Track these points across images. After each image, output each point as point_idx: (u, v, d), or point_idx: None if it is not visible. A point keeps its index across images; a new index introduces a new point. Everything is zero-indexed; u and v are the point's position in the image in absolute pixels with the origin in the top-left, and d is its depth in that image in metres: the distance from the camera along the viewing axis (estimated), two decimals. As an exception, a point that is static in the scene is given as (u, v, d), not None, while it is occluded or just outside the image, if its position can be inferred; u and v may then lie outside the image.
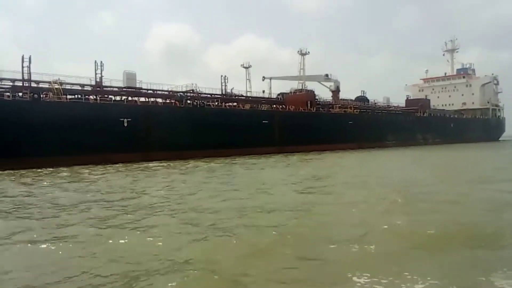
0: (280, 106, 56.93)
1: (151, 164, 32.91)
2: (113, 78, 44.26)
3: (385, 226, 9.81)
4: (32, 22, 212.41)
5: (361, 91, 79.68)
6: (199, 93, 49.77)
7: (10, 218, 12.08)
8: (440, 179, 20.06)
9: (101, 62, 43.38)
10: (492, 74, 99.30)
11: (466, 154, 47.85)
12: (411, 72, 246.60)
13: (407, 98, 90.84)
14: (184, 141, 40.45)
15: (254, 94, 62.03)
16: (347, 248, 8.04)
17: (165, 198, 15.22)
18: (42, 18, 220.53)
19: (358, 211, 11.79)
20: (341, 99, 69.81)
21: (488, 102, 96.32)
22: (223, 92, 54.54)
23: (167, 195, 16.11)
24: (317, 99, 62.50)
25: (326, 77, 71.76)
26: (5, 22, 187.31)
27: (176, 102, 44.53)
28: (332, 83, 72.23)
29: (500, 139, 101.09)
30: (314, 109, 58.44)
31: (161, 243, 8.77)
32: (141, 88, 45.91)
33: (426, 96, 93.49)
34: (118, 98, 43.35)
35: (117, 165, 32.20)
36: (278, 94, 63.86)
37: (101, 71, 42.95)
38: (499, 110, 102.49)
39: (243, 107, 52.53)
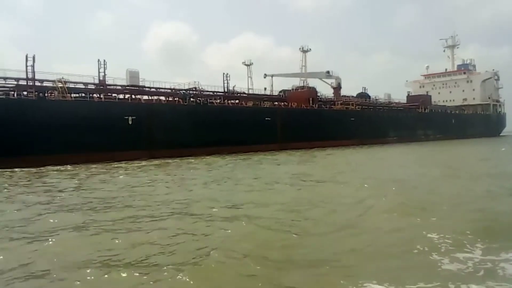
0: (282, 103, 57.13)
1: (181, 161, 33.97)
2: (113, 77, 44.52)
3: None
4: (29, 22, 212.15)
5: (362, 87, 79.89)
6: (202, 91, 49.97)
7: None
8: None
9: (104, 60, 43.57)
10: (493, 69, 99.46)
11: (474, 150, 47.75)
12: (411, 69, 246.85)
13: (408, 94, 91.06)
14: (187, 138, 40.70)
15: (256, 92, 62.30)
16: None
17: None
18: (40, 18, 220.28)
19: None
20: (342, 96, 69.99)
21: (489, 98, 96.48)
22: (225, 90, 54.73)
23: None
24: (318, 96, 62.69)
25: (328, 74, 71.87)
26: (2, 22, 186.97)
27: (180, 100, 44.74)
28: (333, 80, 72.33)
29: (501, 134, 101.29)
30: (316, 106, 58.63)
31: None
32: (144, 86, 46.11)
33: (427, 92, 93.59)
34: (121, 96, 43.60)
35: (140, 163, 32.83)
36: (280, 91, 64.04)
37: (105, 69, 43.21)
38: (499, 105, 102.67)
39: (246, 104, 52.69)
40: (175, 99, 45.67)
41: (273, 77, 72.46)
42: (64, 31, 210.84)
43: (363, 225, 10.14)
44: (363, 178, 18.94)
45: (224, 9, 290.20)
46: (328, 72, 72.02)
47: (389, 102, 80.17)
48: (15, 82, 37.59)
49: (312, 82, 70.65)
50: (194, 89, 49.28)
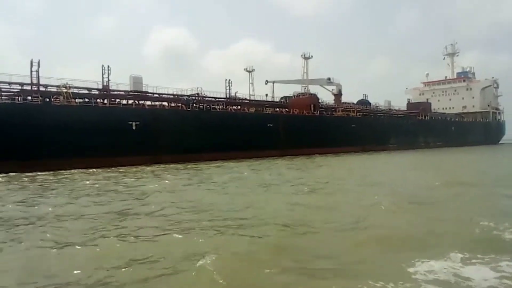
0: (284, 110, 57.41)
1: (195, 166, 34.64)
2: (116, 82, 44.76)
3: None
4: (30, 24, 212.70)
5: (363, 94, 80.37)
6: (204, 97, 50.23)
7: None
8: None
9: (108, 66, 43.88)
10: (492, 77, 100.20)
11: (476, 158, 47.76)
12: (410, 75, 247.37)
13: (408, 101, 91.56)
14: (191, 144, 40.89)
15: (257, 98, 62.60)
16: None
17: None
18: (41, 20, 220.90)
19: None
20: (343, 103, 70.38)
21: (488, 106, 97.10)
22: (228, 96, 55.02)
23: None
24: (320, 103, 63.03)
25: (329, 81, 72.38)
26: (5, 25, 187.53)
27: (183, 105, 44.97)
28: (334, 87, 72.85)
29: (500, 142, 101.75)
30: (318, 112, 58.94)
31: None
32: (147, 92, 46.37)
33: (427, 99, 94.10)
34: (124, 101, 43.84)
35: (157, 167, 33.54)
36: (281, 98, 64.34)
37: (108, 75, 43.55)
38: (499, 113, 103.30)
39: (248, 110, 52.96)
40: (178, 104, 45.90)
41: (274, 84, 73.08)
42: (65, 34, 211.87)
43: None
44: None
45: (225, 15, 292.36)
46: (329, 79, 72.52)
47: (389, 109, 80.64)
48: (20, 87, 37.88)
49: (313, 89, 71.15)
50: (196, 95, 49.51)
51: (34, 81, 38.56)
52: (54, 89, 38.58)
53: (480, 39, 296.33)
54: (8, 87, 37.47)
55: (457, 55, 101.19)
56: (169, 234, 9.85)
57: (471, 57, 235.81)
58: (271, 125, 50.80)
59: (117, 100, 43.04)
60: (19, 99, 34.10)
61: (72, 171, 29.68)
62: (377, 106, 78.13)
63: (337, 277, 6.76)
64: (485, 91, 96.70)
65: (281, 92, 75.28)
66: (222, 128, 44.37)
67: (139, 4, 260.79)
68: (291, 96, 64.13)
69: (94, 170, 30.72)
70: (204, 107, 46.08)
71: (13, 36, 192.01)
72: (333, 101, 70.59)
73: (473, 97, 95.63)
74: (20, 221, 11.89)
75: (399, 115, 78.26)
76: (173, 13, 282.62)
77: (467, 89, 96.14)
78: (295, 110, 56.49)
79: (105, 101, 40.84)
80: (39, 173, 28.05)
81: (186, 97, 47.99)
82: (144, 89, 45.90)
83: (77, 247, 8.92)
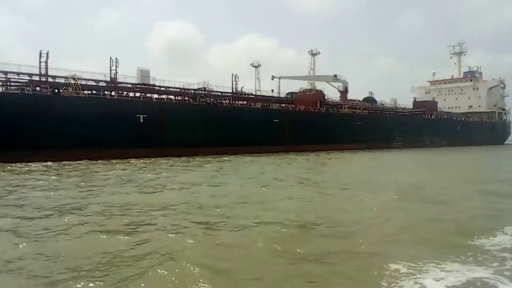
0: (290, 106, 57.36)
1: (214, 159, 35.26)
2: (123, 75, 44.88)
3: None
4: (33, 17, 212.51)
5: (369, 92, 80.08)
6: (211, 91, 50.27)
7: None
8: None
9: (116, 58, 44.01)
10: (500, 77, 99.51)
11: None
12: (415, 74, 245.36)
13: (415, 99, 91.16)
14: (197, 137, 41.01)
15: (263, 93, 62.57)
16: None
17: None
18: (44, 13, 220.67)
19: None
20: (349, 100, 70.20)
21: (494, 106, 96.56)
22: (234, 91, 55.01)
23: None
24: (326, 99, 62.90)
25: (335, 78, 72.10)
26: (8, 17, 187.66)
27: (190, 99, 45.03)
28: (340, 84, 72.57)
29: (505, 142, 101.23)
30: (324, 109, 58.85)
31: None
32: (154, 85, 46.46)
33: (433, 98, 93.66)
34: (131, 94, 43.96)
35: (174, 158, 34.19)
36: (287, 93, 64.31)
37: (116, 67, 43.70)
38: (505, 113, 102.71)
39: (254, 105, 52.96)
40: (185, 98, 45.97)
41: (275, 79, 73.02)
42: (68, 28, 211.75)
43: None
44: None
45: (229, 10, 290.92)
46: (335, 75, 72.24)
47: (395, 107, 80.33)
48: (28, 78, 38.07)
49: (319, 85, 71.00)
50: (203, 89, 49.58)
51: (43, 72, 38.87)
52: (62, 81, 38.84)
53: (485, 39, 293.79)
54: (17, 77, 37.73)
55: (464, 54, 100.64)
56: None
57: (476, 57, 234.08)
58: (277, 120, 50.77)
59: (125, 92, 43.17)
60: (28, 89, 34.28)
61: (80, 162, 29.85)
62: (383, 104, 77.87)
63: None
64: (491, 91, 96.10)
65: (286, 88, 75.45)
66: (228, 122, 44.42)
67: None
68: (297, 92, 64.08)
69: (114, 161, 31.25)
70: (211, 101, 46.11)
71: (17, 28, 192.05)
72: (339, 98, 70.44)
73: (479, 97, 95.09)
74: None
75: (405, 113, 77.96)
76: (177, 7, 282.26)
77: (474, 89, 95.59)
78: (301, 106, 56.41)
79: (113, 93, 40.99)
80: (50, 163, 28.32)
81: (192, 91, 48.04)
82: (151, 82, 46.07)
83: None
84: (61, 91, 35.13)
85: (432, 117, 79.15)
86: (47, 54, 38.98)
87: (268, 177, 21.21)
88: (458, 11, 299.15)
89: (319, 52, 68.37)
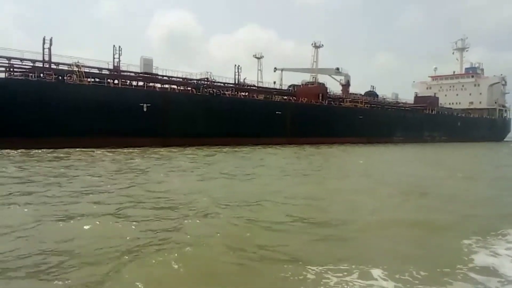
0: (292, 98, 57.32)
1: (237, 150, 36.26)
2: (126, 63, 44.65)
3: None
4: (34, 4, 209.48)
5: (371, 86, 79.96)
6: (213, 82, 50.17)
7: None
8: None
9: (119, 47, 43.76)
10: (501, 74, 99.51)
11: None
12: (415, 70, 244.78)
13: (416, 95, 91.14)
14: (200, 127, 41.11)
15: (265, 85, 62.45)
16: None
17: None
18: (44, 2, 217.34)
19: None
20: (350, 94, 70.18)
21: (495, 103, 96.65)
22: (236, 82, 54.89)
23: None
24: (328, 92, 62.86)
25: (337, 71, 72.01)
26: (7, 4, 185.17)
27: (193, 89, 44.96)
28: (342, 77, 72.53)
29: (505, 139, 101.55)
30: (326, 102, 58.85)
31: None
32: (157, 75, 46.29)
33: (435, 94, 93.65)
34: (134, 83, 43.81)
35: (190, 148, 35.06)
36: (289, 86, 64.21)
37: (119, 55, 43.48)
38: (505, 111, 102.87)
39: (257, 97, 52.92)
40: (188, 88, 45.89)
41: (277, 71, 72.89)
42: (68, 16, 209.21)
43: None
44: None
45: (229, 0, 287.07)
46: (337, 69, 72.13)
47: (396, 102, 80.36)
48: (31, 64, 37.87)
49: (320, 79, 70.78)
50: (206, 79, 49.47)
51: (46, 58, 38.67)
52: (65, 68, 38.65)
53: (485, 37, 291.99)
54: (20, 63, 37.54)
55: (466, 50, 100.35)
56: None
57: (477, 54, 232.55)
58: (280, 112, 50.81)
59: (128, 81, 43.02)
60: (32, 76, 34.13)
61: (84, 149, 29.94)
62: (384, 99, 77.88)
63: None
64: (493, 88, 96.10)
65: (286, 80, 74.99)
66: (231, 114, 44.48)
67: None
68: (299, 85, 63.98)
69: (124, 150, 31.37)
70: (214, 92, 46.07)
71: (14, 13, 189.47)
72: (341, 92, 70.38)
73: (480, 93, 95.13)
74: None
75: (406, 108, 78.04)
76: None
77: (475, 85, 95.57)
78: (304, 99, 56.39)
79: (116, 81, 40.86)
80: (56, 150, 28.44)
81: (195, 81, 47.93)
82: (154, 72, 45.89)
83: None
84: (65, 78, 34.93)
85: (433, 113, 79.28)
86: (51, 40, 38.75)
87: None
88: (459, 9, 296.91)
89: (322, 45, 67.68)
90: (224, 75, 54.18)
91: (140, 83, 43.99)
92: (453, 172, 22.97)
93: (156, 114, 38.57)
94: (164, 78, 47.18)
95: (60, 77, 34.61)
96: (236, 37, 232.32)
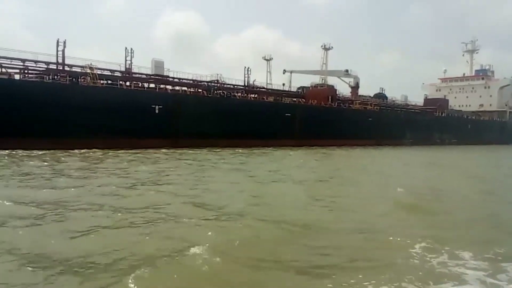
0: (301, 100, 57.36)
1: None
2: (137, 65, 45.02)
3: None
4: (38, 3, 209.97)
5: (380, 88, 79.81)
6: (223, 84, 50.43)
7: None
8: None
9: (131, 49, 44.31)
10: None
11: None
12: (422, 70, 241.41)
13: (426, 97, 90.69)
14: (210, 129, 41.26)
15: (274, 87, 62.59)
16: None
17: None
18: (50, 1, 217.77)
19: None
20: (360, 96, 70.03)
21: (506, 105, 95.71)
22: (246, 84, 55.09)
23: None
24: (337, 95, 62.78)
25: (346, 73, 71.85)
26: (13, 2, 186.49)
27: (204, 91, 45.23)
28: (351, 79, 72.37)
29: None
30: (335, 104, 58.77)
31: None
32: (168, 76, 46.65)
33: (444, 96, 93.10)
34: (145, 85, 44.19)
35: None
36: (299, 88, 64.24)
37: (131, 58, 43.95)
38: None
39: (266, 99, 53.05)
40: (199, 90, 46.18)
41: (286, 73, 72.99)
42: (75, 16, 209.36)
43: None
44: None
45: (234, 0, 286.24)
46: (346, 71, 71.96)
47: (406, 104, 80.00)
48: (45, 66, 38.40)
49: (329, 80, 70.76)
50: (216, 81, 49.78)
51: (59, 60, 39.17)
52: (78, 70, 39.14)
53: (493, 36, 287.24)
54: (34, 65, 38.07)
55: (476, 52, 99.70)
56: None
57: (485, 56, 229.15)
58: (289, 114, 50.86)
59: (139, 83, 43.39)
60: (47, 78, 34.57)
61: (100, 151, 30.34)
62: (394, 101, 77.57)
63: None
64: (503, 90, 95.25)
65: (295, 82, 74.83)
66: (241, 115, 44.60)
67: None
68: (308, 87, 63.97)
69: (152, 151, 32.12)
70: (225, 94, 46.32)
71: (21, 14, 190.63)
72: (350, 93, 70.24)
73: (490, 96, 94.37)
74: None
75: (416, 110, 77.64)
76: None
77: (485, 87, 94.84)
78: (313, 101, 56.40)
79: (128, 83, 41.25)
80: (70, 151, 28.84)
81: (206, 83, 48.22)
82: (165, 73, 46.26)
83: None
84: (80, 80, 35.40)
85: (443, 115, 78.77)
86: (64, 43, 39.29)
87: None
88: (467, 8, 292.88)
89: (332, 47, 67.90)
90: (230, 76, 54.61)
91: (152, 85, 44.45)
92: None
93: (168, 116, 38.87)
94: (175, 80, 47.57)
95: (74, 79, 35.02)
96: (243, 38, 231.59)
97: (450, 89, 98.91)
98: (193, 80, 48.88)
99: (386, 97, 76.63)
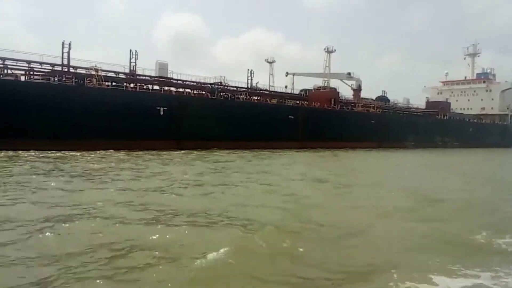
0: (304, 102, 57.52)
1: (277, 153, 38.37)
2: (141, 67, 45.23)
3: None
4: (40, 4, 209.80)
5: (382, 91, 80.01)
6: (227, 86, 50.63)
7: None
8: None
9: (136, 51, 44.63)
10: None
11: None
12: (421, 73, 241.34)
13: (427, 100, 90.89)
14: (214, 131, 41.39)
15: (276, 89, 62.76)
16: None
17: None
18: (51, 2, 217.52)
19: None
20: (362, 98, 70.24)
21: (507, 108, 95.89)
22: (249, 86, 55.30)
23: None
24: (340, 97, 62.96)
25: (348, 75, 72.09)
26: (13, 3, 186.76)
27: (208, 93, 45.41)
28: (354, 82, 72.58)
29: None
30: (338, 106, 58.95)
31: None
32: (172, 78, 46.85)
33: (447, 99, 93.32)
34: (149, 86, 44.38)
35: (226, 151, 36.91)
36: (301, 90, 64.40)
37: (136, 60, 44.23)
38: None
39: (269, 101, 53.23)
40: (202, 92, 46.35)
41: (288, 75, 73.20)
42: (75, 17, 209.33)
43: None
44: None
45: (236, 2, 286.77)
46: (349, 73, 72.21)
47: (408, 106, 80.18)
48: (51, 68, 38.61)
49: (332, 83, 70.94)
50: (219, 83, 49.96)
51: (65, 62, 39.40)
52: (83, 71, 39.34)
53: (495, 40, 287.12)
54: (40, 67, 38.25)
55: (478, 56, 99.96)
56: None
57: (486, 59, 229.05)
58: (292, 117, 51.02)
59: (144, 85, 43.57)
60: (52, 79, 34.76)
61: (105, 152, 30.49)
62: (396, 103, 77.75)
63: None
64: (504, 94, 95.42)
65: (296, 84, 74.97)
66: (245, 117, 44.77)
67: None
68: (311, 89, 64.16)
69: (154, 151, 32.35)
70: (229, 96, 46.51)
71: (21, 14, 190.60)
72: (352, 96, 70.44)
73: (492, 99, 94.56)
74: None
75: (418, 113, 77.81)
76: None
77: (487, 91, 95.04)
78: (316, 103, 56.58)
79: (132, 85, 41.42)
80: (76, 152, 28.99)
81: (210, 85, 48.41)
82: (169, 75, 46.47)
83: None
84: (86, 82, 35.58)
85: (445, 118, 78.93)
86: (70, 44, 39.60)
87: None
88: (467, 11, 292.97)
89: (334, 50, 67.95)
90: (231, 78, 54.76)
91: (156, 87, 44.64)
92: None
93: (172, 118, 39.03)
94: (179, 82, 47.76)
95: (79, 81, 35.21)
96: (243, 40, 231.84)
97: (452, 92, 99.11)
98: (197, 82, 49.10)
99: (388, 100, 76.86)
